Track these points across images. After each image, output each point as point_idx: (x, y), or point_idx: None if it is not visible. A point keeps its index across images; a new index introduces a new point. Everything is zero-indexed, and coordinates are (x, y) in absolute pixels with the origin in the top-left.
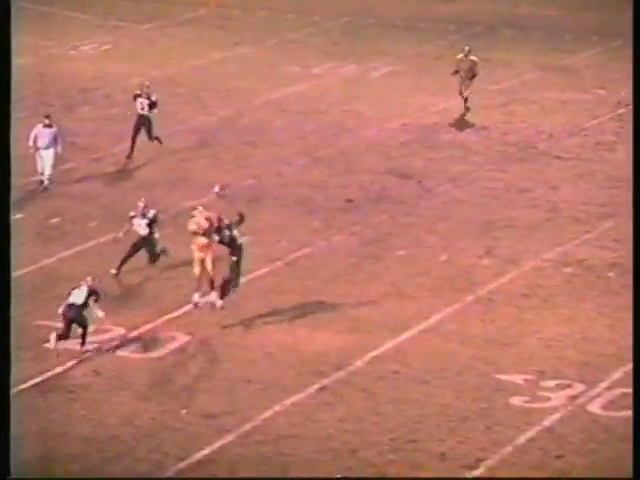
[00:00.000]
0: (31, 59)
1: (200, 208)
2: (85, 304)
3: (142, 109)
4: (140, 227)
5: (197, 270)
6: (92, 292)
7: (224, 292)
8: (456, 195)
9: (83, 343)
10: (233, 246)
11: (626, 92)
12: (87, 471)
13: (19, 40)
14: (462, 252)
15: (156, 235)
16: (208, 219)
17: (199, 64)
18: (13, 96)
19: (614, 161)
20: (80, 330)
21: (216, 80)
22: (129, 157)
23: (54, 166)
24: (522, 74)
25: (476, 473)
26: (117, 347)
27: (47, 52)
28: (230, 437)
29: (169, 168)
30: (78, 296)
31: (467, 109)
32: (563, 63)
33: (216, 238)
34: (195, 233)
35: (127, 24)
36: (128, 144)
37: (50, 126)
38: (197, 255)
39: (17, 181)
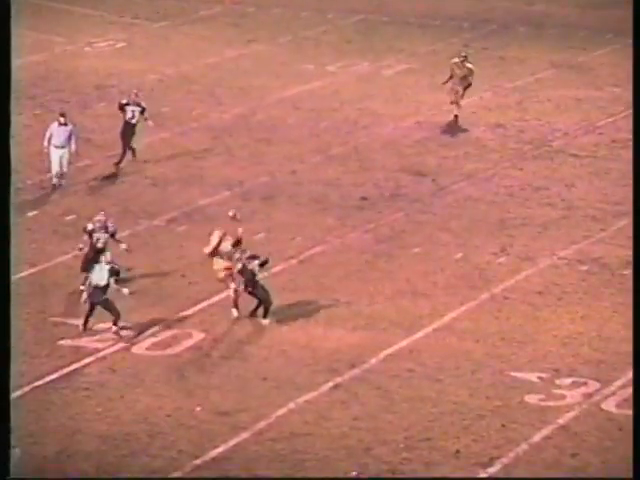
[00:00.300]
0: (46, 56)
1: (216, 232)
2: (108, 285)
3: (132, 118)
4: (100, 241)
5: (221, 275)
6: (114, 271)
7: (267, 312)
8: (471, 193)
9: (115, 323)
10: (250, 280)
11: None
12: (102, 468)
13: (34, 37)
14: (477, 250)
15: (123, 246)
16: (222, 238)
17: (213, 61)
18: (28, 92)
19: (629, 159)
20: (111, 316)
21: (230, 77)
22: (134, 158)
23: (69, 164)
24: (537, 72)
25: (491, 471)
26: (132, 344)
27: (62, 49)
28: (244, 434)
29: (183, 165)
30: (100, 277)
31: (456, 118)
32: (578, 61)
33: (239, 266)
34: (211, 255)
35: (141, 21)
36: (145, 141)
37: (66, 124)
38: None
39: (32, 178)
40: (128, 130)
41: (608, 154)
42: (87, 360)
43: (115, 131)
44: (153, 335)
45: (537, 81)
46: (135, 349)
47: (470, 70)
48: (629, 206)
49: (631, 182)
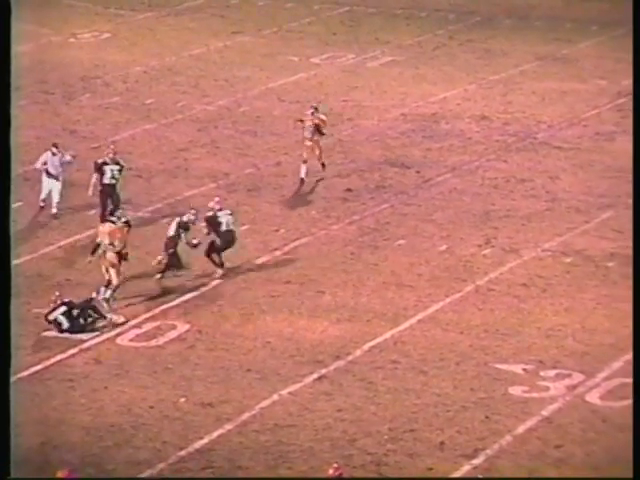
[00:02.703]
0: (31, 47)
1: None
2: None
3: (112, 177)
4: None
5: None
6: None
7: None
8: (455, 185)
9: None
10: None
11: (627, 82)
12: (86, 459)
13: (19, 27)
14: (461, 242)
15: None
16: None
17: (198, 53)
18: (13, 84)
19: (613, 151)
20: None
21: (215, 69)
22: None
23: (62, 194)
24: (522, 64)
25: (475, 462)
26: (117, 335)
27: (47, 40)
28: (228, 426)
29: (168, 157)
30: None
31: (323, 165)
32: (563, 53)
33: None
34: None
35: (126, 12)
36: (127, 134)
37: (60, 154)
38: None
39: (16, 169)
40: (107, 191)
41: (592, 146)
42: (71, 351)
43: (99, 123)
44: (137, 327)
45: (522, 73)
46: (119, 340)
47: (322, 121)
48: (613, 198)
49: (615, 174)
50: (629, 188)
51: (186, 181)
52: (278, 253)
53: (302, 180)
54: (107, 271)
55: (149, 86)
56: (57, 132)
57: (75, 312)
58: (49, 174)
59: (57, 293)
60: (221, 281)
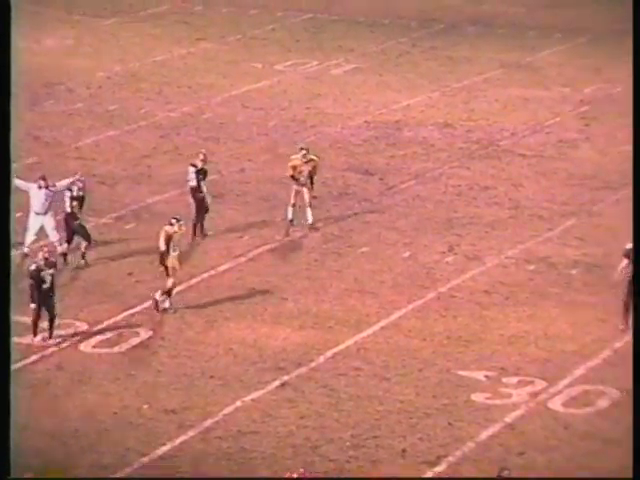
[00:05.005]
0: None
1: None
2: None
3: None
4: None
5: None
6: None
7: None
8: (419, 192)
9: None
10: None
11: (589, 90)
12: (51, 464)
13: None
14: (424, 249)
15: None
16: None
17: (161, 59)
18: None
19: (576, 159)
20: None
21: (178, 76)
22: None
23: (55, 231)
24: (485, 71)
25: (437, 470)
26: (79, 342)
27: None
28: (191, 433)
29: (131, 164)
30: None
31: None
32: (526, 60)
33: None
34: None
35: (89, 18)
36: (91, 140)
37: (47, 187)
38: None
39: None
40: (198, 198)
41: (555, 154)
42: (34, 357)
43: (63, 129)
44: (100, 333)
45: (485, 80)
46: (82, 347)
47: (314, 161)
48: (576, 206)
49: (578, 182)
50: (592, 195)
51: (149, 188)
52: (242, 259)
53: (291, 221)
54: (169, 275)
55: (112, 92)
56: (20, 138)
57: (50, 273)
58: (36, 212)
59: (45, 249)
60: (184, 288)
